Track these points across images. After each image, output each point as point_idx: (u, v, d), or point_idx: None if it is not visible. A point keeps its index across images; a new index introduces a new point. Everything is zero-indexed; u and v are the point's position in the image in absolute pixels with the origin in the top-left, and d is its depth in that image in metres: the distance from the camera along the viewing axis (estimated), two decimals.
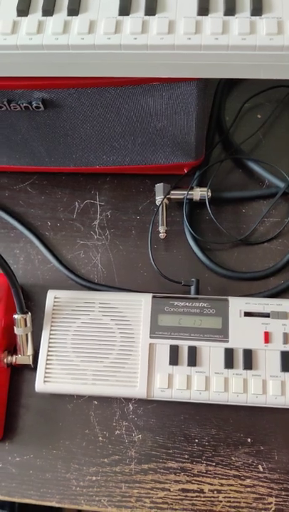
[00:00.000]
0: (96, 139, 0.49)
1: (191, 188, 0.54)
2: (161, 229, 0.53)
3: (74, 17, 0.37)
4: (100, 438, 0.49)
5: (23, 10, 0.38)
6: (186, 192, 0.54)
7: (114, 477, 0.48)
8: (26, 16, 0.38)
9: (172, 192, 0.54)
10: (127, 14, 0.37)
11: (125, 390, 0.47)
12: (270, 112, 0.59)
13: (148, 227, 0.56)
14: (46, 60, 0.38)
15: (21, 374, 0.52)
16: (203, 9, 0.36)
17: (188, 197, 0.54)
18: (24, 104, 0.44)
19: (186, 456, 0.48)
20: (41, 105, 0.44)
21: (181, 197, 0.54)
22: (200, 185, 0.55)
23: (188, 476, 0.47)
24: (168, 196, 0.54)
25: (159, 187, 0.54)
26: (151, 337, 0.48)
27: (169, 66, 0.37)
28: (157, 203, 0.54)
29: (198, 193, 0.54)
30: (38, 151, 0.52)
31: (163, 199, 0.53)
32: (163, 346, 0.48)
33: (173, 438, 0.49)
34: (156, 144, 0.50)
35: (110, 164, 0.54)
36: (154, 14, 0.37)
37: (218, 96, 0.59)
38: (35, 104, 0.44)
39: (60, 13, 0.37)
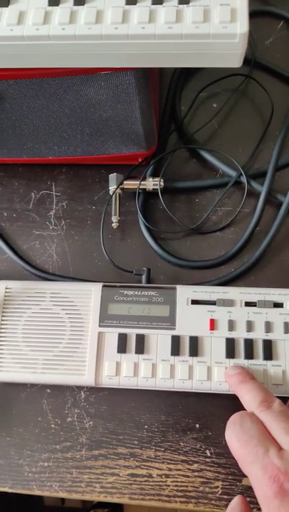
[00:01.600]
0: (44, 130, 0.50)
1: (144, 178, 0.55)
2: (114, 219, 0.53)
3: (4, 8, 0.37)
4: (52, 425, 0.50)
5: None
6: (138, 182, 0.54)
7: (66, 463, 0.49)
8: None
9: (125, 182, 0.54)
10: (57, 4, 0.37)
11: (74, 378, 0.48)
12: (225, 101, 0.60)
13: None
14: None
15: None
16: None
17: (141, 187, 0.54)
18: None
19: (136, 442, 0.49)
20: None
21: (135, 187, 0.54)
22: (154, 175, 0.56)
23: (137, 461, 0.48)
24: (121, 186, 0.54)
25: (112, 177, 0.55)
26: (100, 326, 0.49)
27: (97, 56, 0.37)
28: (110, 193, 0.55)
29: (151, 183, 0.54)
30: None
31: (116, 189, 0.54)
32: (112, 335, 0.48)
33: (123, 424, 0.49)
34: (104, 134, 0.50)
35: (63, 155, 0.54)
36: (82, 4, 0.37)
37: (173, 85, 0.59)
38: None
39: None
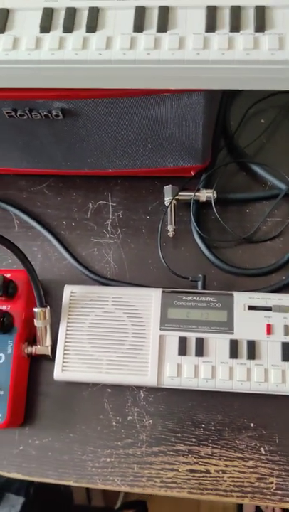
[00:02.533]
0: (110, 145, 0.53)
1: (198, 190, 0.58)
2: (170, 228, 0.57)
3: (92, 34, 0.41)
4: (114, 423, 0.53)
5: (46, 27, 0.41)
6: (193, 193, 0.57)
7: (127, 459, 0.51)
8: (48, 32, 0.41)
9: (180, 193, 0.58)
10: (141, 31, 0.40)
11: (137, 378, 0.51)
12: (272, 117, 0.63)
13: (157, 226, 0.59)
14: (67, 74, 0.41)
15: (39, 364, 0.56)
16: (211, 25, 0.40)
17: (195, 198, 0.57)
18: (44, 113, 0.47)
19: (194, 440, 0.51)
20: (60, 114, 0.47)
21: (189, 198, 0.58)
22: (206, 186, 0.59)
23: (195, 457, 0.51)
24: (176, 197, 0.57)
25: (168, 189, 0.58)
26: (161, 329, 0.52)
27: (178, 79, 0.41)
28: (166, 203, 0.58)
29: (205, 195, 0.57)
30: (55, 155, 0.55)
31: (171, 200, 0.57)
32: (172, 338, 0.51)
33: (181, 423, 0.52)
34: (165, 148, 0.54)
35: (122, 168, 0.57)
36: (165, 31, 0.40)
37: (224, 103, 0.62)
38: (54, 113, 0.47)
39: (80, 30, 0.41)
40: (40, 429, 0.53)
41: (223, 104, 0.62)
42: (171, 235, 0.56)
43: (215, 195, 0.57)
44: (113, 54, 0.40)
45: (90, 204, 0.62)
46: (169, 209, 0.57)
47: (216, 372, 0.50)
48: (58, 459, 0.52)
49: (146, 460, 0.51)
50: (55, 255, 0.60)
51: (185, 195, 0.58)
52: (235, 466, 0.50)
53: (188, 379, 0.50)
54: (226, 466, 0.50)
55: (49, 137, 0.52)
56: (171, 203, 0.57)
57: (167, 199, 0.57)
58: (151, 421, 0.53)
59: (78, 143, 0.53)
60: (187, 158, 0.55)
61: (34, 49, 0.41)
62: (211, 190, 0.57)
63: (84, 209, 0.61)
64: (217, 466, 0.51)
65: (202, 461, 0.51)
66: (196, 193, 0.57)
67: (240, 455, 0.51)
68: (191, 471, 0.51)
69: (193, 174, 0.59)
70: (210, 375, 0.50)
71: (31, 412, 0.54)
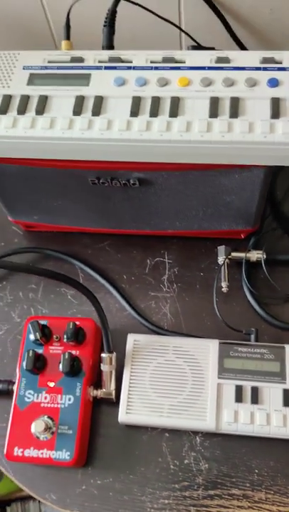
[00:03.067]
0: (174, 209, 0.60)
1: (249, 251, 0.64)
2: (224, 284, 0.62)
3: (174, 118, 0.48)
4: (171, 466, 0.56)
5: (135, 112, 0.49)
6: (244, 254, 0.63)
7: (184, 501, 0.54)
8: (137, 116, 0.49)
9: (232, 253, 0.64)
10: (216, 117, 0.48)
11: (196, 423, 0.55)
12: None
13: (210, 282, 0.65)
14: (151, 150, 0.48)
15: (99, 407, 0.60)
16: (276, 113, 0.47)
17: (246, 258, 0.63)
18: (123, 182, 0.54)
19: (248, 485, 0.55)
20: (137, 183, 0.54)
21: (240, 258, 0.64)
22: (254, 248, 0.65)
23: (249, 502, 0.54)
24: (229, 257, 0.63)
25: (221, 249, 0.64)
26: (219, 377, 0.56)
27: (247, 156, 0.48)
28: (220, 262, 0.64)
29: (255, 255, 0.63)
30: (124, 217, 0.62)
31: (225, 259, 0.63)
32: (229, 386, 0.56)
33: (236, 468, 0.55)
34: (222, 213, 0.60)
35: (181, 229, 0.64)
36: (236, 117, 0.48)
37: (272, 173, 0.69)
38: (132, 182, 0.54)
39: (164, 115, 0.49)
40: (102, 469, 0.57)
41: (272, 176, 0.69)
42: (225, 291, 0.62)
43: (264, 256, 0.63)
44: (192, 136, 0.47)
45: (148, 261, 0.68)
46: (223, 267, 0.63)
47: (270, 419, 0.54)
48: (119, 499, 0.55)
49: (202, 503, 0.54)
50: (116, 306, 0.65)
51: (237, 255, 0.64)
52: None
53: (245, 425, 0.54)
54: (279, 511, 0.53)
55: (123, 202, 0.59)
56: (224, 261, 0.63)
57: (221, 258, 0.63)
58: (207, 465, 0.56)
59: (147, 207, 0.60)
60: (241, 222, 0.62)
61: (125, 130, 0.48)
62: (260, 251, 0.63)
63: (142, 265, 0.68)
64: (270, 511, 0.53)
65: (256, 506, 0.54)
66: (247, 254, 0.63)
67: None
68: None
69: (243, 237, 0.65)
70: (265, 421, 0.54)
71: (93, 453, 0.58)
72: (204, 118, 0.48)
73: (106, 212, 0.62)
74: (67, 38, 0.63)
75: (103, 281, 0.66)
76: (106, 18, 0.62)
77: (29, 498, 1.22)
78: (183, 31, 0.71)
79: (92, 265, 0.68)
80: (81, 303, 0.66)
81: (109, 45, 0.62)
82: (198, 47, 0.66)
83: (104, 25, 0.62)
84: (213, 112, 0.48)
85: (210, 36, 0.74)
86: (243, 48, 0.73)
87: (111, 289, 0.66)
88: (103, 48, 0.62)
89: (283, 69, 0.50)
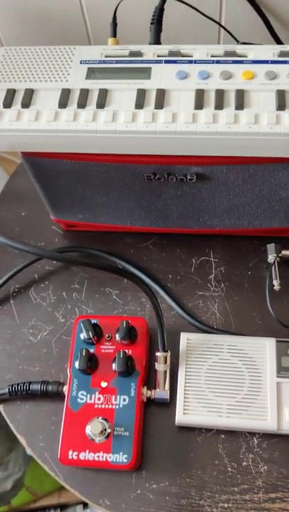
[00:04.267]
0: (226, 206, 0.59)
1: None
2: (276, 282, 0.61)
3: (241, 111, 0.48)
4: (229, 468, 0.55)
5: (200, 104, 0.48)
6: None
7: (245, 504, 0.53)
8: (202, 109, 0.48)
9: (282, 251, 0.63)
10: (283, 109, 0.47)
11: (257, 423, 0.53)
12: None
13: (258, 281, 0.64)
14: (218, 143, 0.48)
15: (150, 408, 0.58)
16: None
17: None
18: (180, 177, 0.54)
19: None
20: (194, 178, 0.53)
21: None
22: None
23: None
24: (280, 255, 0.62)
25: (271, 247, 0.63)
26: (277, 376, 0.55)
27: None
28: (270, 260, 0.63)
29: None
30: (172, 214, 0.61)
31: (276, 257, 0.62)
32: (288, 385, 0.54)
33: None
34: (275, 210, 0.59)
35: (230, 227, 0.63)
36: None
37: None
38: (189, 177, 0.53)
39: (229, 107, 0.48)
40: (157, 473, 0.55)
41: None
42: (277, 289, 0.61)
43: None
44: (261, 128, 0.47)
45: (194, 260, 0.67)
46: (274, 265, 0.62)
47: None
48: (176, 504, 0.53)
49: (264, 506, 0.53)
50: (163, 306, 0.64)
51: (287, 253, 0.63)
52: None
53: None
54: None
55: (174, 198, 0.58)
56: (275, 259, 0.62)
57: (271, 256, 0.62)
58: (266, 467, 0.54)
59: (198, 204, 0.59)
60: None
61: (191, 122, 0.47)
62: None
63: (188, 264, 0.67)
64: None
65: None
66: None
67: None
68: None
69: None
70: None
71: (146, 456, 0.56)
72: (272, 110, 0.47)
73: (154, 210, 0.61)
74: (114, 35, 0.63)
75: (148, 281, 0.65)
76: (153, 16, 0.62)
77: (49, 508, 1.19)
78: (224, 28, 0.70)
79: (136, 264, 0.67)
80: (126, 302, 0.65)
81: (157, 43, 0.61)
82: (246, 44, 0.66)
83: (152, 23, 0.62)
84: (281, 105, 0.47)
85: (250, 34, 0.74)
86: None
87: (157, 288, 0.65)
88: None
89: None
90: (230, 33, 0.71)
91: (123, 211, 0.62)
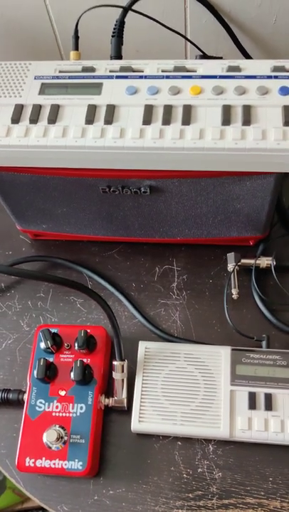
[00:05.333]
0: (183, 217, 0.60)
1: (258, 257, 0.64)
2: (234, 291, 0.62)
3: (186, 126, 0.49)
4: (185, 475, 0.56)
5: (148, 120, 0.49)
6: (254, 260, 0.63)
7: (198, 510, 0.54)
8: (149, 124, 0.49)
9: (242, 260, 0.64)
10: (228, 124, 0.48)
11: (210, 430, 0.54)
12: None
13: (219, 289, 0.65)
14: (164, 158, 0.49)
15: (109, 416, 0.59)
16: (288, 121, 0.48)
17: (256, 264, 0.63)
18: (134, 190, 0.55)
19: (262, 493, 0.54)
20: (148, 191, 0.54)
21: (250, 264, 0.64)
22: (263, 254, 0.65)
23: (264, 510, 0.53)
24: (238, 264, 0.63)
25: (231, 256, 0.64)
26: (231, 384, 0.56)
27: (261, 164, 0.48)
28: (229, 269, 0.64)
29: (265, 262, 0.64)
30: (133, 225, 0.62)
31: (235, 266, 0.63)
32: (242, 393, 0.55)
33: (250, 476, 0.55)
34: (232, 220, 0.60)
35: (190, 236, 0.64)
36: (249, 125, 0.48)
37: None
38: (143, 190, 0.54)
39: (176, 123, 0.49)
40: (114, 479, 0.56)
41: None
42: (235, 298, 0.62)
43: (274, 262, 0.63)
44: (206, 143, 0.48)
45: (157, 268, 0.68)
46: (233, 274, 0.63)
47: (284, 426, 0.53)
48: (132, 510, 0.55)
49: None
50: (126, 314, 0.65)
51: (246, 262, 0.64)
52: None
53: (259, 432, 0.54)
54: None
55: (132, 209, 0.59)
56: (234, 268, 0.63)
57: (230, 265, 0.63)
58: (220, 473, 0.55)
59: (156, 215, 0.60)
60: (250, 229, 0.62)
61: (138, 138, 0.48)
62: (270, 258, 0.63)
63: (151, 272, 0.68)
64: None
65: None
66: (257, 260, 0.63)
67: None
68: None
69: (252, 244, 0.66)
70: (279, 428, 0.53)
71: (104, 463, 0.57)
72: (217, 126, 0.48)
73: (115, 221, 0.62)
74: (76, 48, 0.64)
75: (112, 289, 0.66)
76: (114, 29, 0.63)
77: (32, 510, 1.20)
78: (189, 41, 0.71)
79: (100, 273, 0.68)
80: (90, 311, 0.66)
81: (118, 56, 0.62)
82: (207, 56, 0.67)
83: (113, 36, 0.63)
84: (226, 120, 0.48)
85: (215, 46, 0.74)
86: (248, 57, 0.73)
87: (120, 296, 0.66)
88: (111, 58, 0.62)
89: None
90: (196, 45, 0.72)
91: (85, 221, 0.63)
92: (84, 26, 0.67)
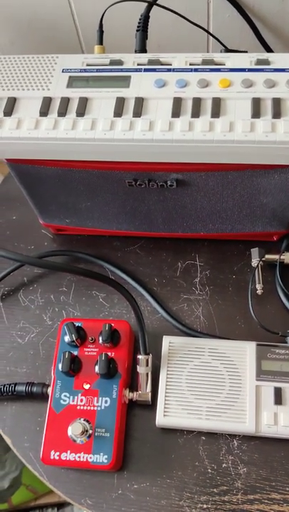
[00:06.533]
0: (208, 211, 0.60)
1: (283, 253, 0.63)
2: (258, 286, 0.62)
3: (216, 119, 0.48)
4: (209, 470, 0.55)
5: (177, 113, 0.49)
6: (279, 256, 0.63)
7: (223, 505, 0.54)
8: (179, 117, 0.49)
9: (266, 255, 0.63)
10: (258, 117, 0.48)
11: (236, 425, 0.54)
12: None
13: (243, 285, 0.65)
14: (195, 150, 0.48)
15: (133, 410, 0.59)
16: None
17: (280, 260, 0.63)
18: (161, 183, 0.54)
19: (288, 489, 0.54)
20: (174, 184, 0.54)
21: (274, 259, 0.63)
22: (287, 250, 0.65)
23: None
24: (263, 259, 0.63)
25: (255, 251, 0.64)
26: (257, 380, 0.56)
27: (288, 156, 0.48)
28: (253, 264, 0.63)
29: None
30: (156, 219, 0.62)
31: (259, 261, 0.63)
32: (268, 388, 0.55)
33: (275, 472, 0.55)
34: (257, 215, 0.60)
35: (213, 231, 0.64)
36: (279, 117, 0.48)
37: None
38: (169, 183, 0.54)
39: (206, 115, 0.49)
40: (138, 473, 0.56)
41: None
42: (260, 293, 0.62)
43: None
44: (236, 135, 0.47)
45: (179, 263, 0.68)
46: (257, 269, 0.63)
47: None
48: (156, 504, 0.54)
49: (242, 508, 0.53)
50: (148, 309, 0.65)
51: (271, 257, 0.63)
52: None
53: (285, 427, 0.53)
54: None
55: (157, 204, 0.59)
56: (259, 263, 0.63)
57: (255, 260, 0.63)
58: (245, 469, 0.55)
59: (181, 209, 0.60)
60: (275, 224, 0.62)
61: (167, 130, 0.48)
62: None
63: (173, 268, 0.67)
64: None
65: None
66: (282, 256, 0.63)
67: None
68: None
69: (275, 239, 0.65)
70: None
71: (128, 457, 0.57)
72: (247, 118, 0.48)
73: (139, 215, 0.62)
74: (100, 42, 0.64)
75: (134, 284, 0.66)
76: (139, 23, 0.63)
77: (47, 506, 1.21)
78: (212, 35, 0.71)
79: (122, 268, 0.68)
80: (112, 305, 0.66)
81: (143, 50, 0.62)
82: (231, 50, 0.66)
83: (138, 30, 0.62)
84: (256, 113, 0.48)
85: (238, 41, 0.74)
86: (270, 52, 0.73)
87: (142, 291, 0.65)
88: (136, 52, 0.62)
89: None
90: (219, 40, 0.72)
91: (108, 216, 0.63)
92: (107, 21, 0.67)
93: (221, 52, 0.62)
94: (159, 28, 0.73)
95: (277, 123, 0.48)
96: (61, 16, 0.74)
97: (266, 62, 0.51)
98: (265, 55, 0.52)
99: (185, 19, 0.68)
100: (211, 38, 0.74)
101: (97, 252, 0.70)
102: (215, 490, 0.55)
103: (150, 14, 0.64)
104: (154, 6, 0.64)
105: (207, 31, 0.71)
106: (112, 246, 0.70)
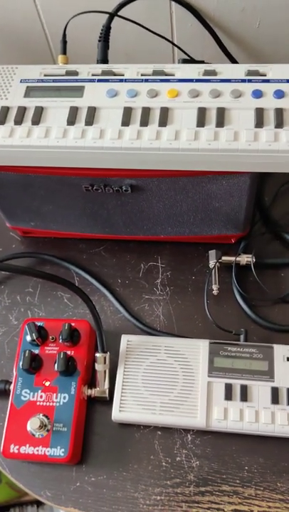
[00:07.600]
0: (165, 215, 0.62)
1: (238, 255, 0.66)
2: (215, 287, 0.64)
3: (163, 128, 0.51)
4: (164, 463, 0.58)
5: (126, 121, 0.51)
6: (234, 258, 0.66)
7: (176, 497, 0.56)
8: (128, 126, 0.51)
9: (223, 257, 0.66)
10: (203, 126, 0.50)
11: (188, 420, 0.57)
12: None
13: (201, 285, 0.67)
14: (142, 158, 0.51)
15: (93, 406, 0.61)
16: (260, 122, 0.50)
17: (236, 262, 0.66)
18: (116, 188, 0.57)
19: (238, 481, 0.56)
20: (129, 189, 0.57)
21: (230, 261, 0.66)
22: (244, 252, 0.67)
23: (239, 498, 0.55)
24: (219, 260, 0.65)
25: (212, 253, 0.66)
26: (208, 376, 0.58)
27: (233, 163, 0.50)
28: (210, 266, 0.66)
29: (245, 259, 0.66)
30: (117, 223, 0.65)
31: (216, 263, 0.65)
32: (219, 384, 0.58)
33: (226, 465, 0.57)
34: (212, 219, 0.63)
35: (173, 234, 0.66)
36: (222, 126, 0.50)
37: (260, 180, 0.72)
38: (124, 188, 0.57)
39: (153, 124, 0.51)
40: (96, 467, 0.58)
41: (259, 182, 0.72)
42: (215, 293, 0.64)
43: (254, 260, 0.65)
44: (181, 144, 0.50)
45: (142, 265, 0.70)
46: (213, 271, 0.65)
47: (259, 416, 0.56)
48: (113, 496, 0.57)
49: (194, 499, 0.56)
50: (111, 309, 0.67)
51: (227, 259, 0.66)
52: (277, 508, 0.55)
53: (234, 422, 0.56)
54: (269, 507, 0.55)
55: (116, 208, 0.61)
56: (215, 265, 0.65)
57: (212, 262, 0.66)
58: (198, 462, 0.58)
59: (139, 213, 0.62)
60: (230, 227, 0.64)
61: (117, 138, 0.51)
62: (250, 255, 0.66)
63: (136, 269, 0.70)
64: (260, 507, 0.55)
65: (246, 502, 0.55)
66: (237, 258, 0.66)
67: (281, 497, 0.55)
68: (236, 511, 0.55)
69: (233, 241, 0.68)
70: (254, 418, 0.55)
71: (87, 451, 0.59)
72: (192, 127, 0.51)
73: (100, 218, 0.64)
74: (64, 52, 0.66)
75: (98, 285, 0.68)
76: (101, 34, 0.65)
77: (27, 503, 1.23)
78: (175, 45, 0.74)
79: (87, 269, 0.70)
80: (76, 306, 0.68)
81: (104, 60, 0.65)
82: (189, 60, 0.69)
83: (99, 41, 0.65)
84: (201, 122, 0.51)
85: (201, 50, 0.77)
86: (233, 60, 0.75)
87: (105, 292, 0.68)
88: (98, 62, 0.65)
89: (267, 81, 0.52)
90: (182, 50, 0.74)
91: (70, 219, 0.66)
92: (73, 31, 0.69)
93: (178, 61, 0.65)
94: (126, 37, 0.76)
95: (220, 131, 0.50)
96: (31, 24, 0.76)
97: (213, 73, 0.54)
98: (213, 66, 0.54)
99: (147, 30, 0.70)
100: (175, 47, 0.77)
101: (63, 254, 0.72)
102: (168, 482, 0.57)
103: (116, 24, 0.66)
104: (116, 17, 0.67)
105: (169, 41, 0.73)
106: (77, 248, 0.72)
